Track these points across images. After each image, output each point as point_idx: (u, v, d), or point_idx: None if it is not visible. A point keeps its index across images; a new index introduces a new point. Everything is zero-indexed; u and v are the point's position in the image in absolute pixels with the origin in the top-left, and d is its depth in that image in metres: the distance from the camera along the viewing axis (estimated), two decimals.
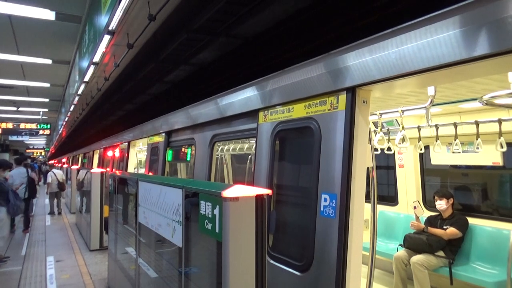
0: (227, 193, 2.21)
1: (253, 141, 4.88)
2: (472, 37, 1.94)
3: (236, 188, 2.25)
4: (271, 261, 3.28)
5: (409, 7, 4.74)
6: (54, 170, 14.60)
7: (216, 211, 2.30)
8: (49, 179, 13.82)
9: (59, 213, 14.19)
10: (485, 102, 2.93)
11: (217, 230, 2.29)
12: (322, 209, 2.79)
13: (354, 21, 5.50)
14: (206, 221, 2.44)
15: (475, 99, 3.62)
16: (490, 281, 4.28)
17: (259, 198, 2.29)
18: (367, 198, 2.86)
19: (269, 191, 2.41)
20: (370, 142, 2.90)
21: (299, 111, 3.20)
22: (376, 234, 3.08)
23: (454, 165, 5.71)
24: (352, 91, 2.70)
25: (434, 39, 2.12)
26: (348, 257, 2.60)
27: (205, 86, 9.94)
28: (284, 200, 3.57)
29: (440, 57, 2.09)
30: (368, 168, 2.87)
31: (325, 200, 2.76)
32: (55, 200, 14.26)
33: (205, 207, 2.46)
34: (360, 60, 2.62)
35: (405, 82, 2.52)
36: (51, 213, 14.10)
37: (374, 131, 4.86)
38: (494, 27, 1.85)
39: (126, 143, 9.96)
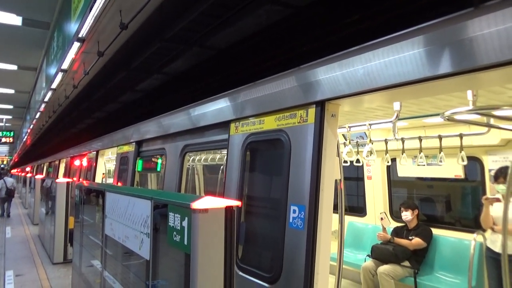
0: (196, 204, 2.19)
1: (224, 151, 4.87)
2: (435, 56, 2.04)
3: (206, 200, 2.24)
4: (240, 273, 3.27)
5: (378, 24, 4.90)
6: (5, 178, 16.49)
7: (185, 223, 2.28)
8: None
9: (8, 216, 15.89)
10: (446, 117, 3.06)
11: (185, 243, 2.26)
12: (291, 220, 2.81)
13: (325, 36, 5.63)
14: (175, 233, 2.41)
15: (438, 114, 3.77)
16: None
17: (228, 209, 2.28)
18: (335, 209, 2.92)
19: (239, 203, 2.42)
20: (338, 155, 2.97)
21: (269, 123, 3.24)
22: (344, 245, 3.13)
23: (419, 177, 5.91)
24: (321, 105, 2.76)
25: (400, 57, 2.21)
26: (316, 268, 2.62)
27: (177, 95, 9.86)
28: (254, 211, 3.58)
29: (405, 74, 2.17)
30: (336, 180, 2.93)
31: (294, 211, 2.79)
32: (5, 205, 16.08)
33: (173, 219, 2.43)
34: (330, 75, 2.68)
35: (373, 98, 2.60)
36: (1, 215, 15.73)
37: (344, 143, 4.97)
38: (455, 47, 1.95)
39: (95, 152, 9.70)
